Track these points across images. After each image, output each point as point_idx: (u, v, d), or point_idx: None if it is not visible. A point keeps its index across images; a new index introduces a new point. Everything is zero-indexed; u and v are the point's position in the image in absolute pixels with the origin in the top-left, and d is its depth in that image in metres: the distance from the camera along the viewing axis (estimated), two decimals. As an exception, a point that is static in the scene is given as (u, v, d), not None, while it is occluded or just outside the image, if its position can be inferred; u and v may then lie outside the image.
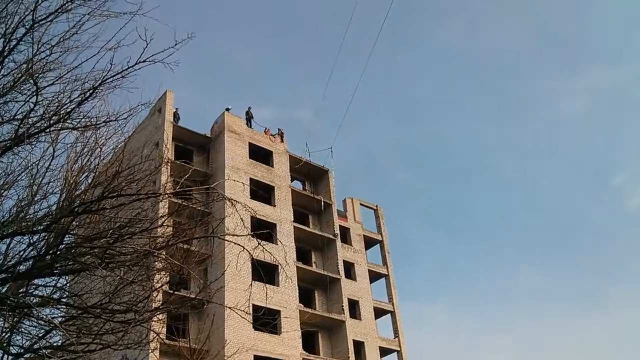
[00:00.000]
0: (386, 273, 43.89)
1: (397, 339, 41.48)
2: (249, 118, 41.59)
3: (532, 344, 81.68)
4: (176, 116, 38.35)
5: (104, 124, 9.75)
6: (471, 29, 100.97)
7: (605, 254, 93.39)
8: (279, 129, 42.83)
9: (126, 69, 9.11)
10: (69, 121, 9.42)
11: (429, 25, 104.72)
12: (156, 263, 10.19)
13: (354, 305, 39.88)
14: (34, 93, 9.04)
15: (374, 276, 43.30)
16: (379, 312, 41.76)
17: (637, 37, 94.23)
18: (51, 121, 9.25)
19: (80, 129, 9.64)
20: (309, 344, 36.74)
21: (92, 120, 9.68)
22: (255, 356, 32.00)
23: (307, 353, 34.99)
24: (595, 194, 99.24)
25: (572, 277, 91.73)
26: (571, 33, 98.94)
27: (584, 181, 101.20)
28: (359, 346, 38.59)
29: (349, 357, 36.47)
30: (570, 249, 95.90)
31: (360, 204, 46.10)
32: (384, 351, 40.40)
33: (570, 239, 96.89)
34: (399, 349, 41.05)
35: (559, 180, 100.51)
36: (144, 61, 9.00)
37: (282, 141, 42.08)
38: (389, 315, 42.50)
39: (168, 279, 11.91)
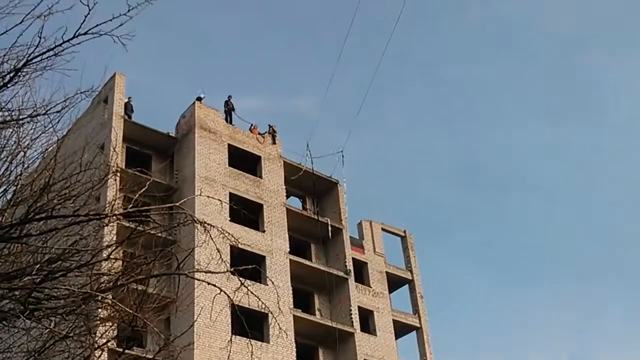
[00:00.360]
0: (418, 325, 43.74)
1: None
2: (228, 110, 41.76)
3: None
4: (129, 108, 38.50)
5: (29, 118, 9.80)
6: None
7: None
8: (270, 126, 42.96)
9: (60, 44, 9.17)
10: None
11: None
12: (99, 310, 10.20)
13: (373, 370, 39.75)
14: None
15: (401, 329, 43.16)
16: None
17: None
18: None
19: (-4, 126, 9.70)
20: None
21: (12, 113, 9.72)
22: None
23: None
24: None
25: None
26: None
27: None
28: None
29: None
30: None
31: (383, 230, 46.08)
32: None
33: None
34: None
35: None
36: (86, 33, 9.06)
37: (274, 142, 42.20)
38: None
39: (116, 332, 11.89)
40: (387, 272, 44.14)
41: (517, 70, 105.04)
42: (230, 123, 41.29)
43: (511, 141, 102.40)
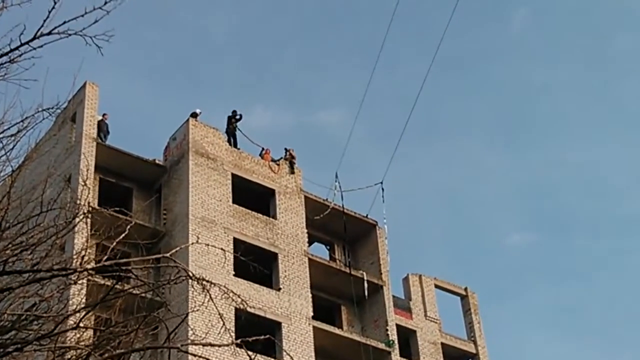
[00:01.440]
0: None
1: None
2: (231, 130, 41.90)
3: None
4: (103, 129, 38.73)
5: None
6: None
7: None
8: (286, 150, 43.06)
9: (17, 48, 9.27)
10: None
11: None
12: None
13: None
14: None
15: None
16: None
17: None
18: None
19: None
20: None
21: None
22: None
23: None
24: None
25: None
26: None
27: None
28: None
29: None
30: None
31: (436, 287, 45.87)
32: None
33: None
34: None
35: None
36: (50, 33, 9.15)
37: (292, 172, 42.26)
38: None
39: None
40: (443, 344, 43.85)
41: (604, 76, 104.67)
42: (236, 146, 41.42)
43: (602, 166, 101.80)
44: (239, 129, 42.17)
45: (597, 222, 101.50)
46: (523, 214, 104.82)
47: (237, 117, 42.24)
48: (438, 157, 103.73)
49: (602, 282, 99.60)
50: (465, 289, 46.85)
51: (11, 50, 9.29)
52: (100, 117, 38.67)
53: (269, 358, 33.63)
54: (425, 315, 44.05)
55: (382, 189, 41.67)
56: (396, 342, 40.69)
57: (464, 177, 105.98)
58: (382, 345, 40.10)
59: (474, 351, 44.94)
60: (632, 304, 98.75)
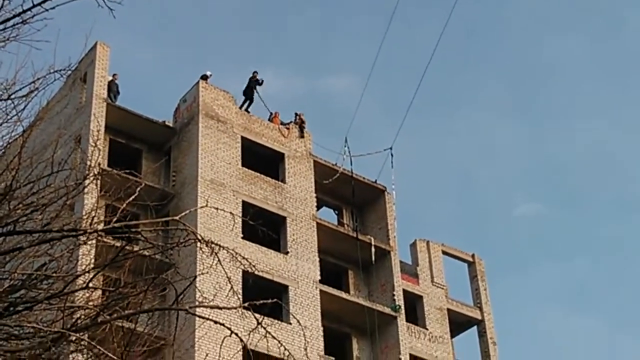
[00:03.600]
0: (490, 382, 43.61)
1: None
2: (250, 92, 41.89)
3: None
4: (113, 89, 38.76)
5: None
6: None
7: None
8: (296, 114, 43.04)
9: (29, 9, 9.28)
10: None
11: None
12: (74, 354, 10.30)
13: None
14: None
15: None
16: None
17: None
18: None
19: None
20: None
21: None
22: None
23: None
24: None
25: None
26: None
27: None
28: None
29: None
30: None
31: (444, 253, 45.91)
32: None
33: None
34: None
35: None
36: (61, -6, 9.15)
37: (301, 136, 42.25)
38: None
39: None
40: (449, 310, 43.96)
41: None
42: (249, 108, 41.36)
43: (612, 142, 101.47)
44: (257, 93, 42.16)
45: (607, 199, 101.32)
46: (532, 186, 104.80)
47: (260, 81, 42.23)
48: (448, 128, 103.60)
49: (609, 260, 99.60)
50: (473, 256, 46.90)
51: (24, 11, 9.31)
52: (110, 78, 38.61)
53: (276, 321, 33.79)
54: (432, 281, 44.14)
55: (392, 155, 41.64)
56: (402, 307, 40.81)
57: (473, 148, 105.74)
58: (388, 310, 40.24)
59: (479, 317, 45.05)
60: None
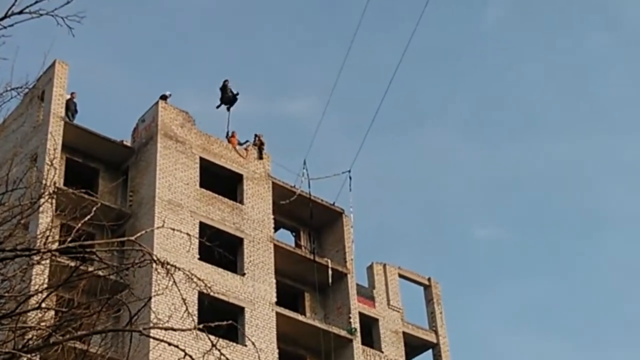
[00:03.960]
0: (443, 404, 43.71)
1: None
2: (227, 100, 42.52)
3: None
4: (71, 108, 38.53)
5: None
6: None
7: None
8: (256, 136, 43.01)
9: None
10: None
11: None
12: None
13: None
14: None
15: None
16: None
17: None
18: None
19: None
20: None
21: None
22: None
23: None
24: None
25: None
26: None
27: None
28: None
29: None
30: None
31: (400, 276, 46.01)
32: None
33: None
34: None
35: None
36: (21, 12, 9.12)
37: (260, 157, 42.22)
38: None
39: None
40: (404, 333, 44.04)
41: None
42: (228, 113, 41.93)
43: (575, 160, 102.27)
44: (230, 101, 42.52)
45: (569, 218, 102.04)
46: (493, 208, 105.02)
47: (235, 93, 42.75)
48: (409, 148, 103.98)
49: (571, 279, 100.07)
50: (429, 279, 47.05)
51: (-20, 28, 9.25)
52: (68, 96, 38.39)
53: (231, 343, 33.63)
54: (388, 304, 44.21)
55: (350, 178, 41.68)
56: (358, 330, 40.82)
57: (434, 169, 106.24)
58: (344, 333, 40.21)
59: (435, 341, 45.13)
60: (603, 302, 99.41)
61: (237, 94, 42.68)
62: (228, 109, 42.51)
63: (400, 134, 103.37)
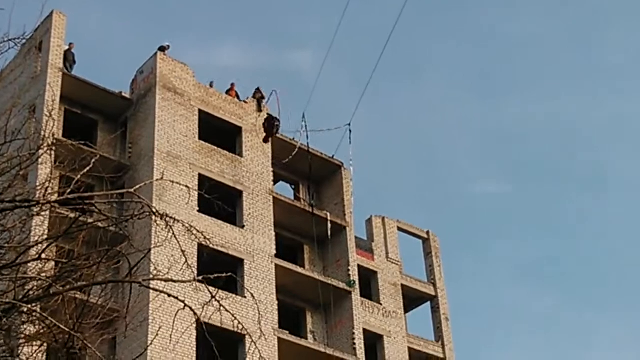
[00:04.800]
0: (442, 355, 43.91)
1: None
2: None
3: None
4: (69, 59, 38.34)
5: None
6: None
7: None
8: (257, 89, 42.79)
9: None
10: None
11: None
12: (25, 325, 10.26)
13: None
14: None
15: (417, 357, 43.32)
16: None
17: None
18: None
19: None
20: None
21: None
22: None
23: None
24: None
25: None
26: None
27: None
28: None
29: None
30: None
31: (399, 229, 46.11)
32: None
33: None
34: None
35: None
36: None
37: (259, 110, 42.08)
38: None
39: (45, 354, 11.93)
40: (403, 285, 44.21)
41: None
42: (273, 131, 40.30)
43: (584, 112, 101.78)
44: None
45: (570, 174, 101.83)
46: (492, 162, 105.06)
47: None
48: (410, 101, 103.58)
49: (570, 235, 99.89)
50: (427, 232, 47.16)
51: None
52: (66, 47, 38.19)
53: (230, 294, 33.75)
54: (387, 257, 44.35)
55: (350, 131, 41.46)
56: (357, 282, 40.98)
57: (434, 122, 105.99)
58: (343, 285, 40.36)
59: (433, 293, 45.35)
60: (602, 259, 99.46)
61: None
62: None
63: (400, 87, 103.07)
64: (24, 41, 10.67)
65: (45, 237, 10.96)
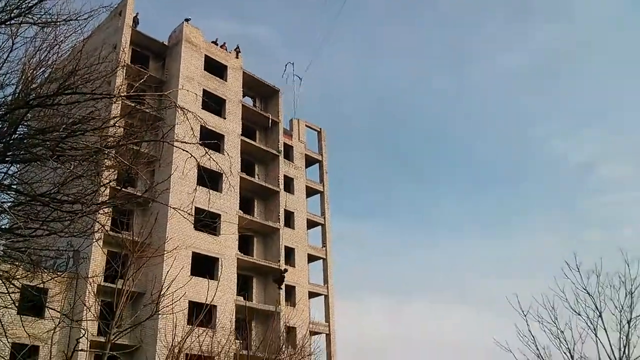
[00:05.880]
0: (322, 190, 44.68)
1: (324, 248, 42.85)
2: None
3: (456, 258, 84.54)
4: (135, 21, 36.95)
5: (64, 22, 9.35)
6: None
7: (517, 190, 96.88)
8: (237, 46, 41.80)
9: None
10: (29, 16, 8.98)
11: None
12: (106, 161, 10.08)
13: (289, 216, 40.66)
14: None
15: (310, 192, 44.05)
16: (311, 224, 42.82)
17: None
18: (12, 14, 8.79)
19: (40, 25, 9.21)
20: (244, 246, 37.47)
21: (52, 17, 9.26)
22: (193, 253, 32.53)
23: (241, 254, 35.75)
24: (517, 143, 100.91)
25: (488, 207, 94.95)
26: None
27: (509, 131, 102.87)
28: (289, 252, 39.66)
29: (279, 260, 37.48)
30: (489, 186, 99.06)
31: (306, 126, 46.16)
32: (312, 258, 41.76)
33: (491, 178, 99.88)
34: (325, 257, 42.49)
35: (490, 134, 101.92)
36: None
37: (237, 57, 41.22)
38: (319, 227, 43.66)
39: (116, 176, 11.81)
40: (305, 154, 44.59)
41: None
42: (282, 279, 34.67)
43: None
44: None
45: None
46: (366, 99, 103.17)
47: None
48: (339, 59, 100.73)
49: (408, 137, 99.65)
50: (320, 129, 47.27)
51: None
52: (134, 14, 36.83)
53: (216, 152, 33.64)
54: (299, 139, 44.62)
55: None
56: (282, 151, 41.07)
57: (345, 76, 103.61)
58: (275, 152, 40.54)
59: (320, 159, 45.80)
60: (423, 148, 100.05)
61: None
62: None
63: (337, 51, 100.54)
64: (111, 9, 10.11)
65: (118, 115, 10.66)
